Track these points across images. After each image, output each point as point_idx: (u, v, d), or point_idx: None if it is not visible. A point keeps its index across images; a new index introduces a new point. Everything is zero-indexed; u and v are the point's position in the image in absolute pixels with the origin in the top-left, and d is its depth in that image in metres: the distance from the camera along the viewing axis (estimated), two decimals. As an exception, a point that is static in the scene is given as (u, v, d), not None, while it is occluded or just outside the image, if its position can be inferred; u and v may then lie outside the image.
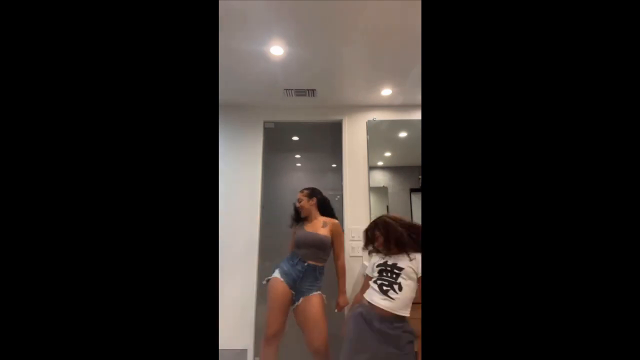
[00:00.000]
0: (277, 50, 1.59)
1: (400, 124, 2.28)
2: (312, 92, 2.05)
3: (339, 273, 1.61)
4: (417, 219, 2.05)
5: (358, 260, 1.99)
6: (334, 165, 2.36)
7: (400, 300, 1.18)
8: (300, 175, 2.44)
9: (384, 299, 1.19)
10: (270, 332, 1.47)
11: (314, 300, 1.49)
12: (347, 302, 1.59)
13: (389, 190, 2.22)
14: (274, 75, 1.83)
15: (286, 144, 2.46)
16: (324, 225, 1.63)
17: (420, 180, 2.20)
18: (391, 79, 1.91)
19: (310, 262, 1.54)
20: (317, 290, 1.53)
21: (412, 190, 2.21)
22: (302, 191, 1.73)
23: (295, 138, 2.49)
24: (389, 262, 1.25)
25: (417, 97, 2.14)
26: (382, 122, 2.27)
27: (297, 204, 1.71)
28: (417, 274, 1.21)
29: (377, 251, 1.36)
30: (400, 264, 1.22)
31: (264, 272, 2.10)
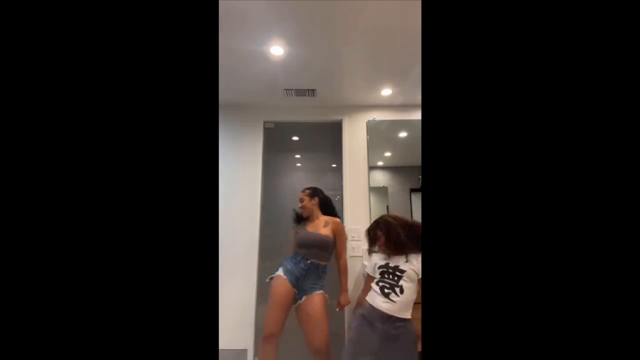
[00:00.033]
0: (277, 50, 1.59)
1: (400, 124, 2.28)
2: (312, 92, 2.05)
3: (341, 271, 1.61)
4: (417, 219, 2.05)
5: (358, 260, 2.00)
6: (334, 165, 2.36)
7: (402, 302, 1.18)
8: (300, 175, 2.44)
9: (386, 302, 1.19)
10: (269, 329, 1.47)
11: (316, 299, 1.49)
12: (349, 301, 1.59)
13: (389, 190, 2.22)
14: (274, 75, 1.83)
15: (286, 144, 2.46)
16: (326, 224, 1.62)
17: (420, 180, 2.20)
18: (391, 79, 1.91)
19: (313, 261, 1.54)
20: (319, 289, 1.52)
21: (412, 190, 2.21)
22: (303, 191, 1.73)
23: (295, 138, 2.49)
24: (391, 264, 1.25)
25: (417, 97, 2.14)
26: (382, 122, 2.26)
27: (299, 204, 1.71)
28: (418, 275, 1.21)
29: (379, 251, 1.36)
30: (402, 267, 1.22)
31: (264, 272, 2.10)
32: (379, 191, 2.20)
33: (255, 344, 1.92)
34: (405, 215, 1.36)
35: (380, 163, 2.25)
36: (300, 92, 2.06)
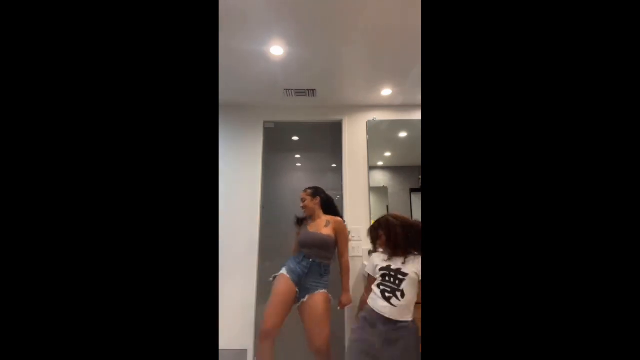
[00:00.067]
0: (277, 50, 1.59)
1: (400, 124, 2.28)
2: (312, 92, 2.05)
3: (343, 271, 1.60)
4: (417, 218, 2.05)
5: (358, 260, 2.00)
6: (334, 165, 2.36)
7: (403, 306, 1.17)
8: (300, 175, 2.44)
9: (386, 306, 1.18)
10: (267, 325, 1.45)
11: (319, 298, 1.48)
12: (350, 300, 1.58)
13: (389, 190, 2.22)
14: (274, 75, 1.83)
15: (286, 144, 2.46)
16: (327, 224, 1.62)
17: (420, 180, 2.20)
18: (391, 79, 1.92)
19: (315, 259, 1.54)
20: (322, 288, 1.52)
21: (412, 190, 2.21)
22: (305, 190, 1.73)
23: (295, 138, 2.49)
24: (393, 267, 1.24)
25: (417, 97, 2.14)
26: (382, 122, 2.27)
27: (301, 204, 1.70)
28: (419, 277, 1.20)
29: (379, 251, 1.36)
30: (404, 270, 1.21)
31: (264, 272, 2.10)
32: (379, 191, 2.20)
33: (255, 344, 1.92)
34: (408, 216, 1.36)
35: (380, 163, 2.25)
36: (300, 92, 2.06)
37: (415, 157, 2.27)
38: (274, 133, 2.36)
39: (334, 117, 2.29)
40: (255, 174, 2.20)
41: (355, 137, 2.25)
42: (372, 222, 2.07)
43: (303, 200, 1.70)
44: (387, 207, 2.19)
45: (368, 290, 1.31)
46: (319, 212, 1.69)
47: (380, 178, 2.23)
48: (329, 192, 1.82)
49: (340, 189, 2.21)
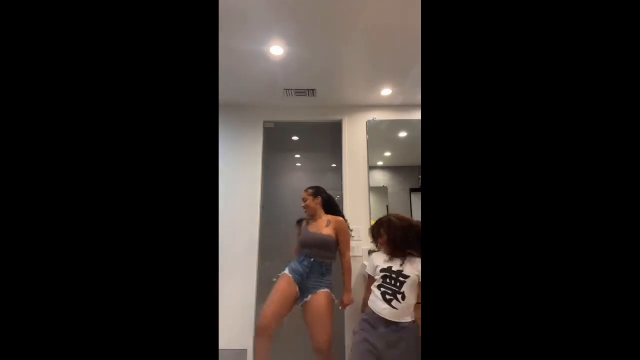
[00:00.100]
0: (277, 50, 1.59)
1: (400, 124, 2.28)
2: (312, 92, 2.06)
3: (345, 271, 1.59)
4: (417, 219, 2.05)
5: (358, 260, 2.00)
6: (334, 165, 2.36)
7: (404, 308, 1.17)
8: (300, 175, 2.44)
9: (386, 309, 1.18)
10: (263, 321, 1.45)
11: (321, 298, 1.48)
12: (352, 300, 1.57)
13: (389, 190, 2.22)
14: (274, 75, 1.83)
15: (286, 144, 2.46)
16: (328, 224, 1.61)
17: (420, 180, 2.20)
18: (391, 79, 1.92)
19: (316, 259, 1.54)
20: (325, 288, 1.51)
21: (412, 190, 2.21)
22: (306, 190, 1.72)
23: (295, 138, 2.49)
24: (394, 269, 1.23)
25: (417, 97, 2.14)
26: (382, 122, 2.27)
27: (302, 204, 1.70)
28: (420, 279, 1.20)
29: (380, 250, 1.36)
30: (406, 272, 1.21)
31: (264, 272, 2.10)
32: (379, 191, 2.20)
33: (255, 343, 1.93)
34: (411, 218, 1.35)
35: (380, 163, 2.25)
36: (300, 92, 2.06)
37: (415, 157, 2.27)
38: (274, 133, 2.36)
39: (334, 117, 2.29)
40: (255, 174, 2.20)
41: (355, 137, 2.25)
42: (372, 222, 2.07)
43: (304, 200, 1.69)
44: (387, 207, 2.19)
45: (369, 290, 1.31)
46: (321, 212, 1.69)
47: (380, 178, 2.23)
48: (329, 192, 1.82)
49: (340, 189, 2.21)
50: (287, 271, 1.57)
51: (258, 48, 1.57)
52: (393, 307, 1.17)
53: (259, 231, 2.13)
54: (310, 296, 1.50)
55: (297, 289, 1.52)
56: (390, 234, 1.28)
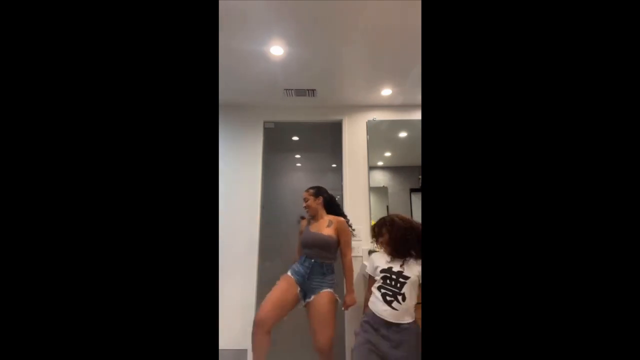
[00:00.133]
0: (277, 50, 1.59)
1: (400, 124, 2.28)
2: (312, 92, 2.06)
3: (346, 271, 1.59)
4: (417, 219, 2.06)
5: (358, 260, 1.99)
6: (334, 165, 2.36)
7: (404, 309, 1.17)
8: (300, 175, 2.44)
9: (387, 310, 1.18)
10: (259, 315, 1.45)
11: (323, 298, 1.48)
12: (355, 301, 1.56)
13: (389, 190, 2.22)
14: (274, 75, 1.83)
15: (286, 144, 2.47)
16: (329, 224, 1.61)
17: (420, 180, 2.20)
18: (391, 79, 1.92)
19: (317, 259, 1.54)
20: (327, 287, 1.51)
21: (412, 190, 2.21)
22: (307, 190, 1.72)
23: (295, 138, 2.49)
24: (394, 269, 1.23)
25: (417, 97, 2.14)
26: (382, 122, 2.27)
27: (303, 204, 1.70)
28: (420, 280, 1.20)
29: (381, 250, 1.35)
30: (406, 272, 1.21)
31: (264, 272, 2.10)
32: (379, 191, 2.20)
33: (255, 343, 1.92)
34: (412, 219, 1.35)
35: (380, 163, 2.25)
36: (300, 92, 2.06)
37: (415, 157, 2.27)
38: (274, 133, 2.36)
39: (334, 117, 2.29)
40: (255, 174, 2.20)
41: (355, 137, 2.25)
42: (372, 222, 2.07)
43: (306, 200, 1.69)
44: (387, 207, 2.19)
45: (369, 291, 1.31)
46: (322, 212, 1.68)
47: (380, 178, 2.23)
48: (330, 192, 1.82)
49: (340, 189, 2.21)
50: (289, 272, 1.58)
51: (258, 48, 1.57)
52: (393, 309, 1.17)
53: (259, 231, 2.13)
54: (313, 296, 1.50)
55: (298, 289, 1.52)
56: (393, 233, 1.28)
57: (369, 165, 2.19)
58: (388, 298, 1.19)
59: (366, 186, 2.16)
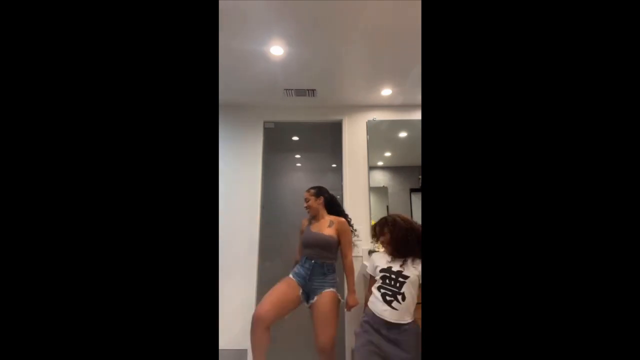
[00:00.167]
0: (277, 50, 1.59)
1: (400, 124, 2.28)
2: (312, 92, 2.06)
3: (347, 272, 1.59)
4: (417, 218, 2.05)
5: (358, 260, 1.99)
6: (334, 165, 2.36)
7: (404, 309, 1.17)
8: (300, 175, 2.44)
9: (387, 310, 1.18)
10: (257, 311, 1.45)
11: (325, 298, 1.49)
12: (357, 302, 1.56)
13: (389, 190, 2.22)
14: (274, 75, 1.83)
15: (286, 144, 2.47)
16: (331, 224, 1.61)
17: (420, 180, 2.20)
18: (391, 79, 1.92)
19: (317, 260, 1.54)
20: (329, 287, 1.51)
21: (412, 190, 2.21)
22: (308, 190, 1.72)
23: (295, 138, 2.49)
24: (394, 269, 1.23)
25: (417, 97, 2.14)
26: (382, 122, 2.27)
27: (304, 204, 1.70)
28: (420, 280, 1.20)
29: (381, 250, 1.35)
30: (406, 272, 1.21)
31: (264, 272, 2.10)
32: (379, 191, 2.20)
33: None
34: (413, 220, 1.34)
35: (380, 163, 2.25)
36: (300, 92, 2.06)
37: (415, 157, 2.27)
38: (274, 133, 2.36)
39: (334, 117, 2.29)
40: (255, 174, 2.20)
41: (355, 137, 2.25)
42: (372, 222, 2.07)
43: (307, 200, 1.69)
44: (387, 207, 2.19)
45: (370, 291, 1.31)
46: (323, 212, 1.68)
47: (380, 178, 2.23)
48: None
49: (340, 189, 2.21)
50: (290, 275, 1.59)
51: (258, 48, 1.57)
52: (393, 308, 1.17)
53: (259, 231, 2.13)
54: (315, 297, 1.50)
55: (300, 291, 1.53)
56: (394, 233, 1.28)
57: (369, 165, 2.20)
58: (388, 298, 1.19)
59: (366, 186, 2.16)
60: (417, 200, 2.18)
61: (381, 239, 1.33)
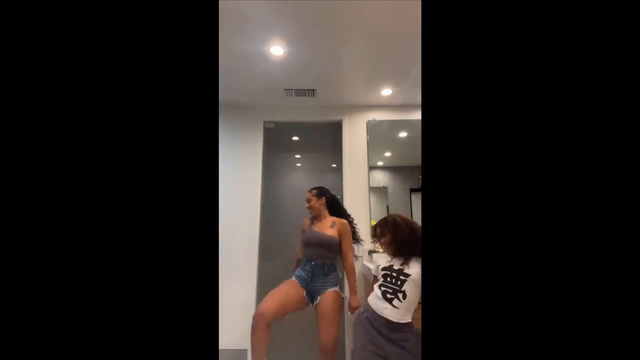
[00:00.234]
0: (277, 50, 1.59)
1: (400, 124, 2.28)
2: (312, 92, 2.06)
3: (348, 273, 1.59)
4: (417, 219, 2.05)
5: (358, 261, 1.99)
6: (334, 165, 2.36)
7: (405, 308, 1.17)
8: (300, 175, 2.44)
9: (387, 308, 1.18)
10: (259, 308, 1.45)
11: (328, 297, 1.49)
12: (359, 303, 1.56)
13: (389, 190, 2.22)
14: (274, 75, 1.83)
15: (286, 144, 2.47)
16: (333, 225, 1.61)
17: (420, 180, 2.20)
18: (391, 79, 1.92)
19: (317, 262, 1.55)
20: (331, 286, 1.52)
21: (412, 190, 2.21)
22: (310, 191, 1.72)
23: (295, 138, 2.49)
24: (395, 267, 1.23)
25: (417, 97, 2.14)
26: (382, 122, 2.27)
27: (306, 204, 1.70)
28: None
29: (382, 250, 1.35)
30: (407, 270, 1.21)
31: (264, 272, 2.10)
32: (379, 191, 2.20)
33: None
34: (413, 221, 1.34)
35: (380, 163, 2.25)
36: (300, 92, 2.07)
37: (415, 157, 2.27)
38: (274, 133, 2.36)
39: (334, 117, 2.29)
40: (255, 174, 2.20)
41: (355, 137, 2.25)
42: (373, 222, 2.07)
43: (309, 200, 1.69)
44: (387, 207, 2.19)
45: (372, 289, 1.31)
46: (325, 212, 1.68)
47: (380, 178, 2.23)
48: (330, 193, 1.82)
49: (340, 189, 2.21)
50: (292, 277, 1.60)
51: (258, 48, 1.57)
52: (394, 307, 1.17)
53: (259, 231, 2.13)
54: (319, 297, 1.51)
55: (304, 292, 1.53)
56: (395, 234, 1.28)
57: (369, 165, 2.20)
58: (388, 295, 1.19)
59: (366, 186, 2.16)
60: (417, 200, 2.18)
61: (382, 240, 1.33)
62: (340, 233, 1.60)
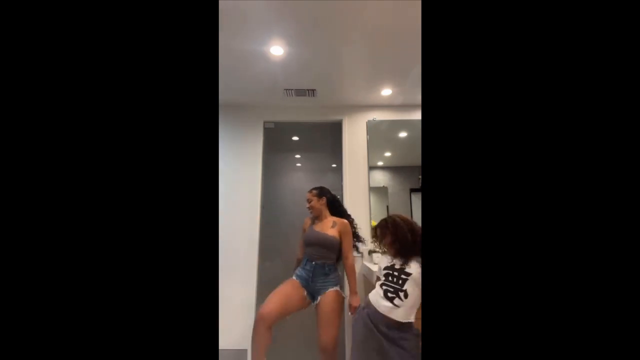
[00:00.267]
0: (277, 50, 1.59)
1: (400, 124, 2.28)
2: (312, 92, 2.06)
3: (348, 273, 1.59)
4: (417, 219, 2.05)
5: (358, 260, 1.99)
6: (334, 165, 2.36)
7: (406, 307, 1.16)
8: (300, 175, 2.44)
9: (388, 307, 1.18)
10: (261, 310, 1.45)
11: (328, 297, 1.50)
12: (359, 303, 1.57)
13: (389, 190, 2.22)
14: (274, 75, 1.83)
15: (286, 144, 2.47)
16: (333, 225, 1.62)
17: (420, 180, 2.20)
18: (391, 79, 1.92)
19: (317, 262, 1.55)
20: (332, 286, 1.53)
21: (412, 190, 2.21)
22: (310, 191, 1.72)
23: (295, 138, 2.49)
24: (396, 266, 1.23)
25: (417, 97, 2.14)
26: (382, 122, 2.27)
27: (307, 204, 1.70)
28: None
29: (383, 251, 1.35)
30: (408, 269, 1.21)
31: (264, 272, 2.10)
32: (379, 191, 2.20)
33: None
34: (413, 221, 1.34)
35: (380, 163, 2.25)
36: (300, 92, 2.07)
37: (415, 157, 2.27)
38: (274, 133, 2.36)
39: (334, 117, 2.29)
40: (255, 174, 2.20)
41: (355, 137, 2.25)
42: (373, 222, 2.07)
43: (309, 200, 1.69)
44: (387, 207, 2.19)
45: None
46: (326, 212, 1.69)
47: (380, 178, 2.23)
48: (330, 193, 1.82)
49: (340, 189, 2.21)
50: (293, 277, 1.60)
51: (258, 48, 1.57)
52: (395, 305, 1.17)
53: (259, 231, 2.13)
54: (319, 297, 1.51)
55: (305, 292, 1.53)
56: (396, 235, 1.28)
57: (369, 165, 2.20)
58: (390, 294, 1.19)
59: (366, 186, 2.16)
60: (417, 200, 2.18)
61: (383, 241, 1.33)
62: (341, 233, 1.60)
